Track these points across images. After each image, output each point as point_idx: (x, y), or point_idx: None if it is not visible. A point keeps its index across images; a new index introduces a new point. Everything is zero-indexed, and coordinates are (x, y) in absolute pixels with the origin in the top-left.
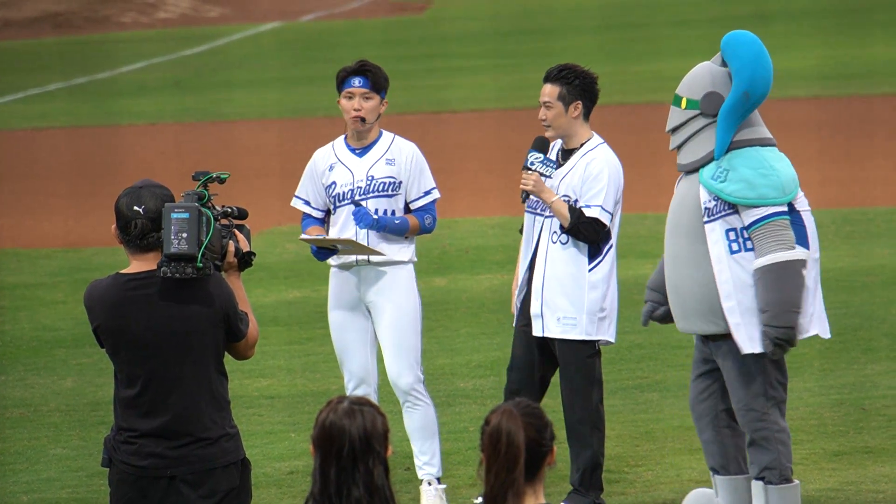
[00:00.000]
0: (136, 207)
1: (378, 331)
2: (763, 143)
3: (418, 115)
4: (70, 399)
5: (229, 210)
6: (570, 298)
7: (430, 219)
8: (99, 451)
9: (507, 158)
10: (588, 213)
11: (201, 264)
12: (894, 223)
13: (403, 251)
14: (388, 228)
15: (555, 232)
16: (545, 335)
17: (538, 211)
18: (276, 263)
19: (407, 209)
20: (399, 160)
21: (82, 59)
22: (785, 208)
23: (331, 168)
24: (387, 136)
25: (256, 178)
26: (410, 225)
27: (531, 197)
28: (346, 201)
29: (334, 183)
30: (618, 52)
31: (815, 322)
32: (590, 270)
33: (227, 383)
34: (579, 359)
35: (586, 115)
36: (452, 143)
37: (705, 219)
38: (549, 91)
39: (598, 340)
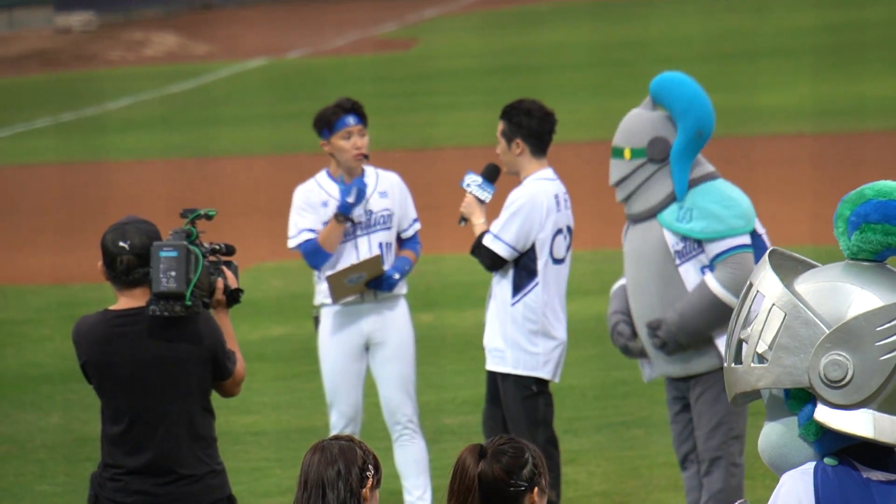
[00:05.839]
0: (121, 243)
1: (377, 364)
2: (713, 176)
3: (403, 152)
4: (56, 435)
5: (217, 247)
6: (500, 331)
7: (420, 247)
8: (85, 487)
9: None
10: (484, 239)
11: (190, 302)
12: None
13: (401, 285)
14: (405, 273)
15: None
16: (487, 368)
17: None
18: (261, 300)
19: (397, 240)
20: (391, 192)
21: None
22: (749, 240)
23: (324, 205)
24: (369, 169)
25: (242, 214)
26: (413, 261)
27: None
28: (348, 237)
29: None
30: (603, 89)
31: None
32: (512, 305)
33: (213, 421)
34: (516, 397)
35: (534, 151)
36: (438, 179)
37: (677, 262)
38: (499, 127)
39: (530, 377)
